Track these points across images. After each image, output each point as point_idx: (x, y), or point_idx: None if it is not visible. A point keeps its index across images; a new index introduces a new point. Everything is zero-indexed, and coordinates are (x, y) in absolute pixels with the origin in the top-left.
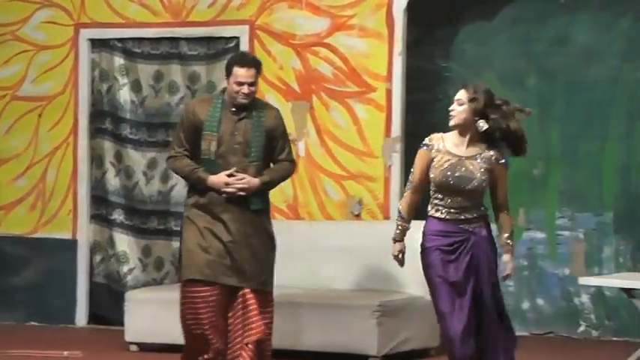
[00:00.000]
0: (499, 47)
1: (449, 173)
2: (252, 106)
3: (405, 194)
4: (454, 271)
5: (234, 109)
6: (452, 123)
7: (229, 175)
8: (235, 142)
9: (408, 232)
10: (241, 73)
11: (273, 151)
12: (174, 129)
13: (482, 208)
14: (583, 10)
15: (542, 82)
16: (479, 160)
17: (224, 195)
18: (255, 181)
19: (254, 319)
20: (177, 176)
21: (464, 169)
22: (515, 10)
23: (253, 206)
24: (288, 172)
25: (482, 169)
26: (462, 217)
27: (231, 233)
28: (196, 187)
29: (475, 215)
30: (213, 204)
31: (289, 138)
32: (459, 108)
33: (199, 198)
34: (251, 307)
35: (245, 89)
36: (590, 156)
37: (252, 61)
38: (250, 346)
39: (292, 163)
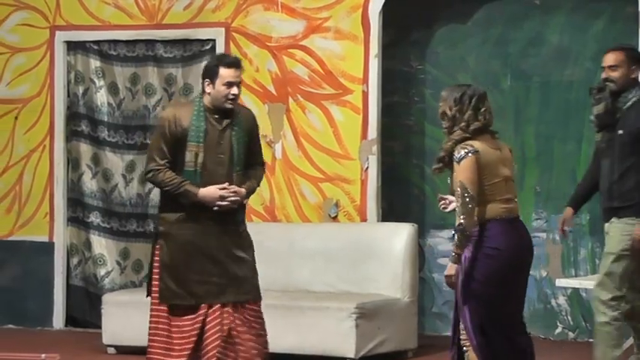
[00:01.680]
0: (474, 49)
1: None
2: (232, 111)
3: None
4: None
5: (217, 116)
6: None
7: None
8: (220, 152)
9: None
10: (229, 73)
11: (251, 155)
12: (151, 132)
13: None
14: (557, 12)
15: (517, 83)
16: None
17: (216, 209)
18: (243, 192)
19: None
20: None
21: None
22: (489, 11)
23: (239, 216)
24: (262, 177)
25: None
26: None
27: (219, 248)
28: (180, 200)
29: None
30: (198, 218)
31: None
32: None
33: (181, 213)
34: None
35: (235, 90)
36: (565, 157)
37: (238, 61)
38: None
39: (264, 165)
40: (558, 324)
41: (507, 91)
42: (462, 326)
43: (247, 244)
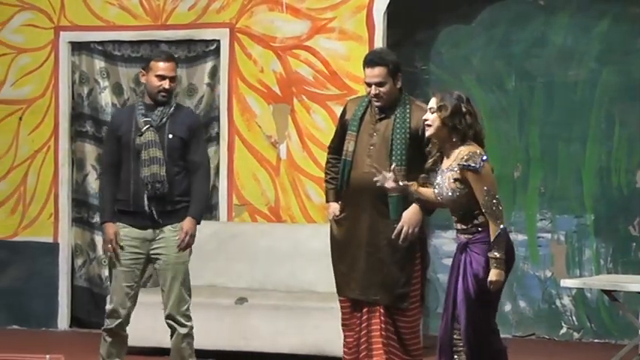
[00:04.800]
0: (478, 49)
1: (434, 189)
2: (397, 105)
3: None
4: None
5: (376, 109)
6: (427, 133)
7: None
8: (370, 144)
9: None
10: (366, 74)
11: (422, 155)
12: None
13: (476, 221)
14: (561, 12)
15: (521, 84)
16: (453, 169)
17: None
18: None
19: (376, 340)
20: None
21: (441, 181)
22: (493, 12)
23: (393, 216)
24: None
25: (452, 179)
26: (457, 227)
27: (366, 244)
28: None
29: (465, 227)
30: (352, 209)
31: None
32: (431, 116)
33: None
34: (375, 327)
35: (373, 90)
36: (570, 158)
37: (373, 61)
38: None
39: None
40: (563, 324)
41: (511, 91)
42: (457, 326)
43: (394, 244)
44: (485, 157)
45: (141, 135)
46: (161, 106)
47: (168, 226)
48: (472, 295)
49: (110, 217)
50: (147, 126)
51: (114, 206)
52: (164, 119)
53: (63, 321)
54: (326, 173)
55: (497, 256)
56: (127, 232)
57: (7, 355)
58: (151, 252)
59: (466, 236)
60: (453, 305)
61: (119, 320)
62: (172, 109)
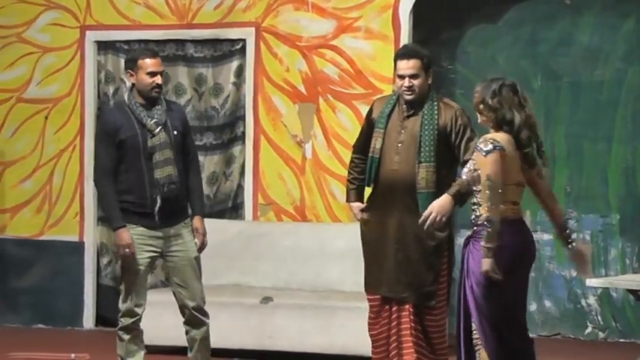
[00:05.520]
0: (504, 49)
1: None
2: (425, 102)
3: None
4: None
5: (405, 106)
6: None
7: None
8: (398, 141)
9: None
10: (399, 66)
11: (452, 152)
12: None
13: (475, 213)
14: (587, 12)
15: (547, 83)
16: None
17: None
18: (438, 206)
19: (406, 338)
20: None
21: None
22: (520, 11)
23: (423, 210)
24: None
25: (471, 160)
26: (470, 217)
27: (394, 241)
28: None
29: (473, 217)
30: (381, 206)
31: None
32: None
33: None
34: (405, 326)
35: (406, 82)
36: (596, 157)
37: (411, 53)
38: None
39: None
40: (588, 324)
41: (537, 90)
42: (473, 325)
43: (424, 241)
44: (496, 146)
45: (153, 137)
46: (155, 102)
47: (180, 223)
48: (475, 292)
49: (122, 223)
50: (159, 127)
51: (119, 210)
52: (165, 117)
53: (88, 320)
54: (349, 173)
55: (482, 244)
56: (141, 232)
57: (33, 353)
58: (167, 249)
59: (472, 229)
60: (464, 303)
61: (136, 317)
62: (166, 105)
